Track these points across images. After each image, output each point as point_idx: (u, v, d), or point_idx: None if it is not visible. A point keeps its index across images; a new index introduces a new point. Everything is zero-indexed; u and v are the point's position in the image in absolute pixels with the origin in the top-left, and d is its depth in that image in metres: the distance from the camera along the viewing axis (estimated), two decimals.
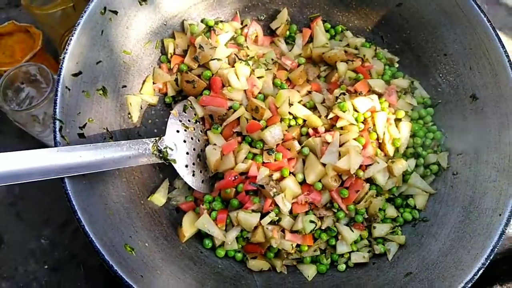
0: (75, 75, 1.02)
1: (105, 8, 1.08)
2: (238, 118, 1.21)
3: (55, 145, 0.95)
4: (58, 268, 1.37)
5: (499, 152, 1.07)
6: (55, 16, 1.46)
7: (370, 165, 1.16)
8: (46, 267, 1.38)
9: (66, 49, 1.00)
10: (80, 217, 0.90)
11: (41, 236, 1.42)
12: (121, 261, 0.91)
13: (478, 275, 0.94)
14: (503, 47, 1.08)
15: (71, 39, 1.01)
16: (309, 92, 1.29)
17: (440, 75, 1.27)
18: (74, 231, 1.41)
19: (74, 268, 1.38)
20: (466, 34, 1.17)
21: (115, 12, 1.11)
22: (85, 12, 1.04)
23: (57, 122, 0.96)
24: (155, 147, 1.09)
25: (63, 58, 1.00)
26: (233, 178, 1.15)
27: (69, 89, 1.00)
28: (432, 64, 1.29)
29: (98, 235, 0.91)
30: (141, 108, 1.27)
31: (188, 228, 1.14)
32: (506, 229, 0.96)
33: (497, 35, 1.10)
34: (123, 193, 1.09)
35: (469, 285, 0.93)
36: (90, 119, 1.06)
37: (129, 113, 1.22)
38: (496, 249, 0.95)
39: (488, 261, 0.95)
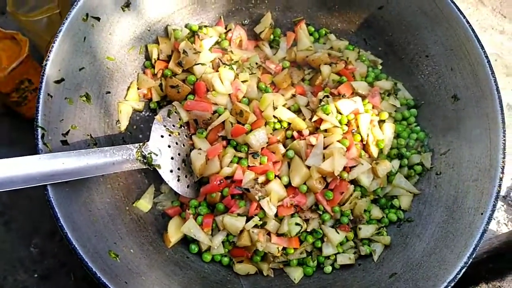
0: (58, 82, 1.02)
1: (87, 15, 1.08)
2: (223, 122, 1.22)
3: (37, 153, 0.95)
4: (47, 277, 1.36)
5: (481, 151, 1.08)
6: (42, 23, 1.46)
7: (354, 166, 1.17)
8: (35, 276, 1.36)
9: (48, 56, 1.00)
10: (63, 224, 0.90)
11: (30, 245, 1.41)
12: (105, 268, 0.91)
13: (461, 274, 0.95)
14: (482, 47, 1.10)
15: (53, 46, 1.01)
16: (294, 95, 1.30)
17: (423, 76, 1.28)
18: (64, 239, 1.40)
19: (64, 276, 1.36)
20: (446, 35, 1.18)
21: (98, 19, 1.12)
22: (66, 19, 1.04)
23: (39, 130, 0.96)
24: (139, 153, 1.09)
25: (45, 65, 1.00)
26: (218, 182, 1.15)
27: (51, 96, 1.00)
28: (414, 66, 1.30)
29: (81, 242, 0.90)
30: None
31: (173, 234, 1.14)
32: (487, 228, 0.97)
33: (476, 36, 1.11)
34: (108, 200, 1.09)
35: (452, 284, 0.94)
36: (74, 125, 1.06)
37: (118, 121, 1.23)
38: (478, 247, 0.96)
39: (471, 260, 0.95)
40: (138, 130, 1.29)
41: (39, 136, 0.96)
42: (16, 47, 1.50)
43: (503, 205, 1.80)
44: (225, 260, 1.16)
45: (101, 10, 1.12)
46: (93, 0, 1.09)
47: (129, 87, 1.27)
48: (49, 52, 1.01)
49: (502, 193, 1.81)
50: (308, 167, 1.15)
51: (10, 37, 1.50)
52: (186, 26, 1.34)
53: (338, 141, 1.18)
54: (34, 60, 1.53)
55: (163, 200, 1.23)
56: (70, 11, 1.05)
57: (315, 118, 1.21)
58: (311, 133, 1.21)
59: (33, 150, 0.96)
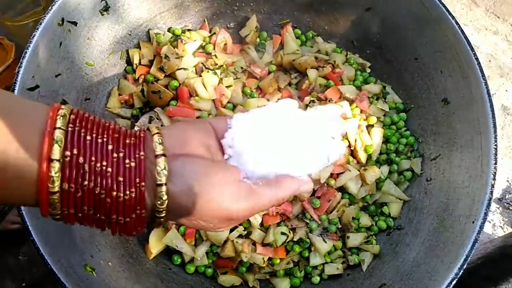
0: (31, 89, 0.98)
1: (63, 19, 1.05)
2: None
3: None
4: (36, 286, 1.32)
5: (472, 156, 1.04)
6: (27, 27, 1.44)
7: (342, 173, 1.13)
8: (24, 284, 1.32)
9: (21, 63, 0.97)
10: (35, 238, 0.86)
11: (18, 253, 1.37)
12: (79, 283, 0.87)
13: (452, 286, 0.91)
14: (472, 49, 1.06)
15: (26, 52, 0.98)
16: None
17: (412, 79, 1.25)
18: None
19: (53, 285, 1.33)
20: (435, 37, 1.14)
21: (74, 23, 1.08)
22: (40, 24, 1.00)
23: None
24: None
25: (18, 72, 0.96)
26: None
27: None
28: (403, 68, 1.26)
29: (54, 257, 0.87)
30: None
31: (155, 245, 1.10)
32: (478, 237, 0.93)
33: (465, 37, 1.07)
34: None
35: None
36: None
37: None
38: (469, 258, 0.92)
39: (462, 271, 0.92)
40: None
41: None
42: (2, 52, 1.48)
43: (498, 208, 1.77)
44: (209, 271, 1.12)
45: (78, 15, 1.08)
46: (69, 5, 1.05)
47: (109, 93, 1.23)
48: (22, 59, 0.97)
49: (498, 195, 1.78)
50: None
51: None
52: (169, 30, 1.31)
53: None
54: None
55: None
56: (44, 16, 1.01)
57: None
58: None
59: None
